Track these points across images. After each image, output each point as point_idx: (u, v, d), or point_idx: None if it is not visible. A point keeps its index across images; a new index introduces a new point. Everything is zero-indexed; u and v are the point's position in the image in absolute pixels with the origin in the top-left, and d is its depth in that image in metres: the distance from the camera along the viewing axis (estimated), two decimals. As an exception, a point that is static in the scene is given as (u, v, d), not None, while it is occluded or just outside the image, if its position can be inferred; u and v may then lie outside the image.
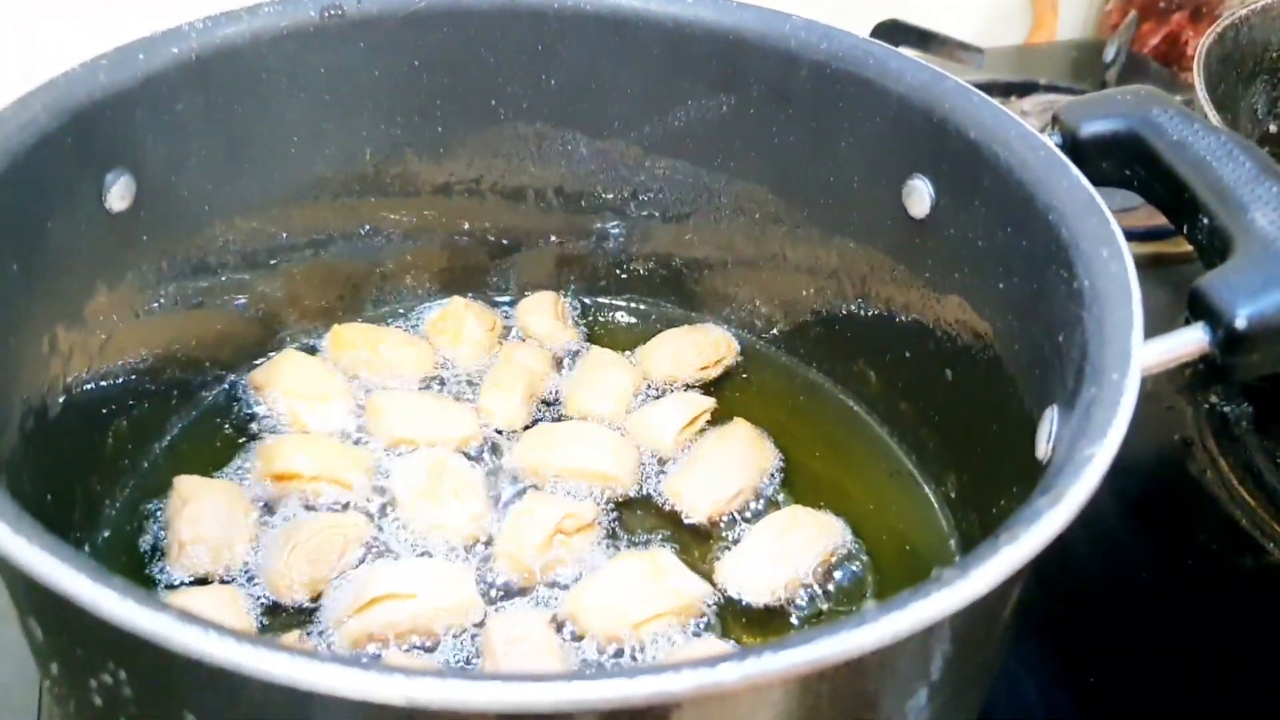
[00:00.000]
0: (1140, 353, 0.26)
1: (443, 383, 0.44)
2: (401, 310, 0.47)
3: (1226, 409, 0.50)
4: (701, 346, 0.45)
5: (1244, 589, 0.44)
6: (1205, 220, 0.31)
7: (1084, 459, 0.23)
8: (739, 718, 0.22)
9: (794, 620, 0.36)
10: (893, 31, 0.70)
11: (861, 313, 0.42)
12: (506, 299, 0.48)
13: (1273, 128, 0.51)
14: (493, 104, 0.42)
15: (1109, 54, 0.73)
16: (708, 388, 0.45)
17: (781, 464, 0.41)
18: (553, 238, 0.46)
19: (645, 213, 0.45)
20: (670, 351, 0.45)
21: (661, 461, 0.41)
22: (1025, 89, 0.73)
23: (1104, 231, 0.29)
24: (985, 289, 0.35)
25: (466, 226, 0.46)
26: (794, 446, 0.42)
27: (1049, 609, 0.41)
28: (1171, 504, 0.48)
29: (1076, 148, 0.34)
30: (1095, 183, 0.34)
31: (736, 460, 0.40)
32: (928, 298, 0.39)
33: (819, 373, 0.45)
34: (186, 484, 0.37)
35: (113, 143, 0.34)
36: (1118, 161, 0.34)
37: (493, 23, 0.40)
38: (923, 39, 0.71)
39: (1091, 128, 0.34)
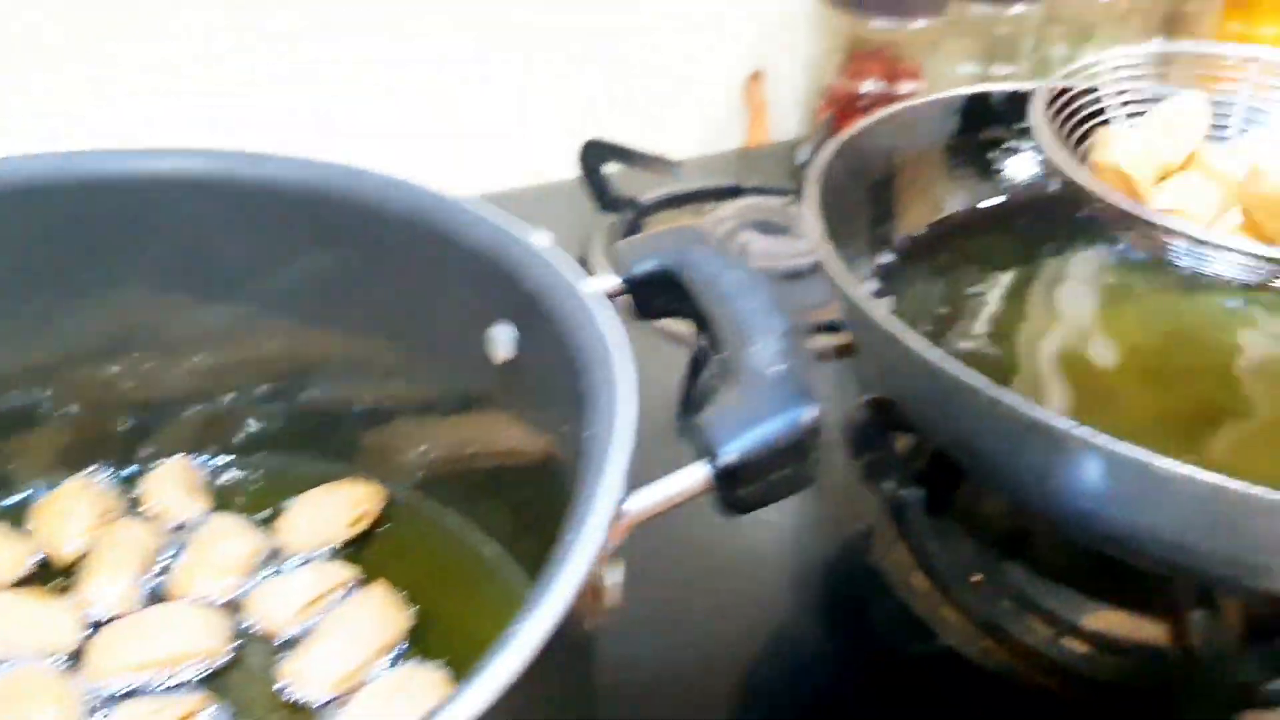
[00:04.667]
0: (615, 502, 0.27)
1: (44, 579, 0.42)
2: (10, 500, 0.44)
3: (903, 493, 0.52)
4: (345, 504, 0.44)
5: (917, 676, 0.45)
6: (719, 353, 0.32)
7: (538, 600, 0.24)
8: None
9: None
10: (595, 151, 0.73)
11: (484, 455, 0.43)
12: (133, 469, 0.46)
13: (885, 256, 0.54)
14: (88, 277, 0.41)
15: (800, 157, 0.77)
16: (354, 543, 0.44)
17: (416, 620, 0.41)
18: (179, 404, 0.45)
19: (272, 371, 0.45)
20: (311, 514, 0.44)
21: (283, 640, 0.40)
22: (731, 193, 0.76)
23: (606, 381, 0.30)
24: (565, 427, 0.36)
25: (81, 401, 0.44)
26: (432, 598, 0.41)
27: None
28: (853, 595, 0.49)
29: (631, 285, 0.36)
30: (654, 316, 0.35)
31: (365, 630, 0.39)
32: (530, 434, 0.39)
33: (459, 515, 0.45)
34: None
35: None
36: (666, 297, 0.36)
37: (72, 196, 0.40)
38: (623, 156, 0.74)
39: (640, 267, 0.36)
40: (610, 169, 0.73)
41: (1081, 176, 0.48)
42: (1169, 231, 0.47)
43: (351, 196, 0.40)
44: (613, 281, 0.35)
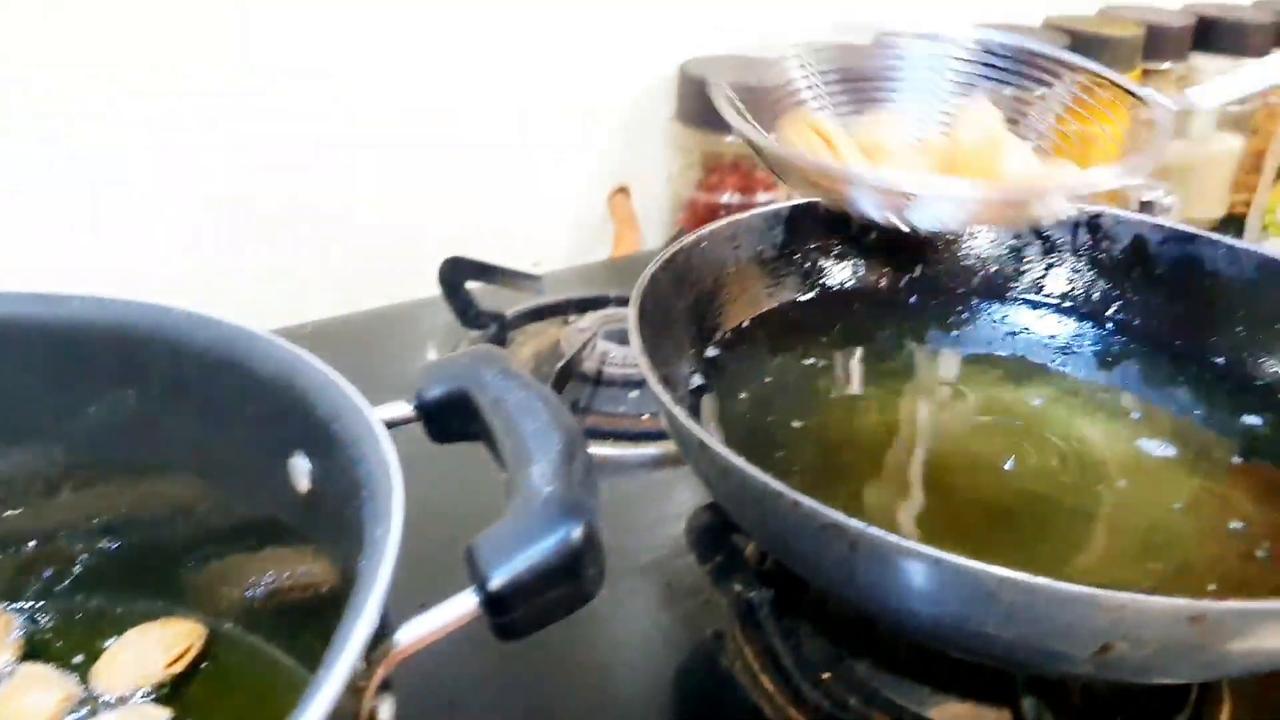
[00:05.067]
0: (364, 641, 0.26)
1: None
2: None
3: (751, 595, 0.52)
4: (163, 643, 0.43)
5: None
6: (505, 474, 0.33)
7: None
8: None
9: None
10: (456, 267, 0.74)
11: (299, 587, 0.42)
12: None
13: (712, 350, 0.56)
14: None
15: (656, 267, 0.79)
16: (175, 682, 0.43)
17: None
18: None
19: (86, 512, 0.44)
20: (128, 655, 0.42)
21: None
22: (597, 304, 0.78)
23: (382, 511, 0.30)
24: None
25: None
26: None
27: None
28: (706, 700, 0.49)
29: (426, 410, 0.36)
30: (449, 439, 0.35)
31: None
32: (334, 566, 0.39)
33: (280, 649, 0.44)
34: None
35: None
36: (460, 420, 0.36)
37: None
38: (485, 272, 0.75)
39: (433, 391, 0.36)
40: (476, 285, 0.74)
41: (770, 142, 0.51)
42: (871, 185, 0.50)
43: (154, 333, 0.39)
44: (405, 408, 0.36)
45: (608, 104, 0.87)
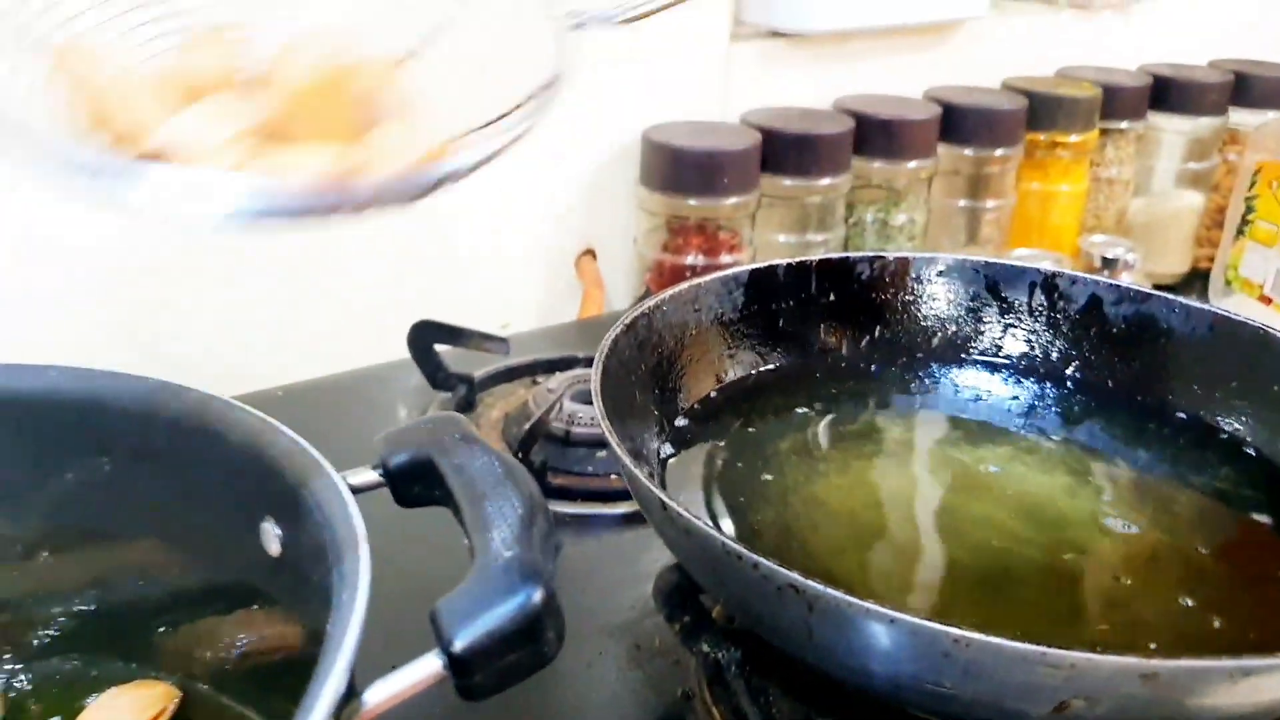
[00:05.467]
0: (331, 699, 0.27)
1: None
2: None
3: (719, 655, 0.53)
4: (138, 705, 0.43)
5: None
6: (468, 540, 0.33)
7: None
8: None
9: None
10: (424, 331, 0.75)
11: (270, 650, 0.43)
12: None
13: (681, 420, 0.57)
14: None
15: (624, 328, 0.80)
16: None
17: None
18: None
19: (60, 578, 0.45)
20: (107, 717, 0.43)
21: None
22: (565, 365, 0.79)
23: (350, 576, 0.31)
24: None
25: None
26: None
27: None
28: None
29: (391, 476, 0.37)
30: (414, 504, 0.36)
31: None
32: (302, 631, 0.40)
33: (250, 710, 0.44)
34: None
35: None
36: (423, 486, 0.37)
37: None
38: (452, 334, 0.76)
39: (397, 458, 0.37)
40: (445, 348, 0.75)
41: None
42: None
43: (127, 402, 0.40)
44: (371, 474, 0.36)
45: (573, 169, 0.89)
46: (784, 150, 0.87)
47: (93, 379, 0.41)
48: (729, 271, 0.58)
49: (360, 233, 0.81)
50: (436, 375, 0.75)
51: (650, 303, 0.56)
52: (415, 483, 0.37)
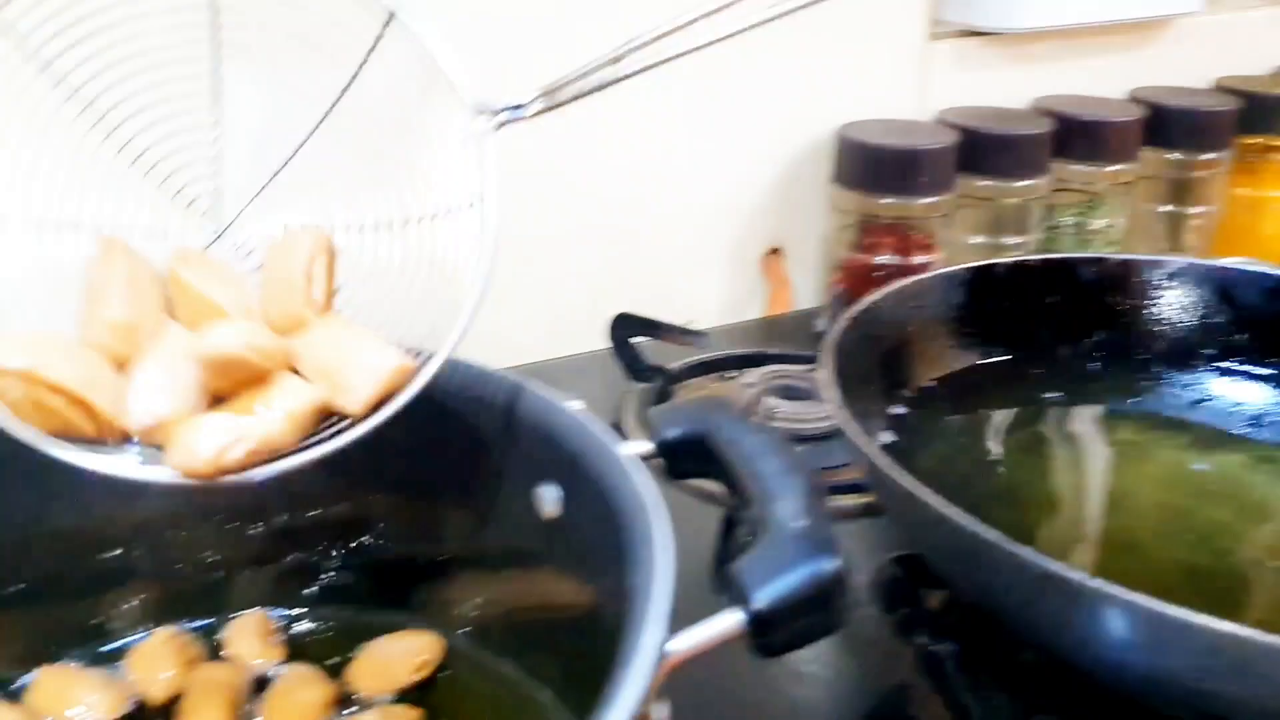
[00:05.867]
0: (658, 645, 0.29)
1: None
2: (108, 647, 0.48)
3: (937, 648, 0.53)
4: (407, 652, 0.47)
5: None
6: (747, 510, 0.35)
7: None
8: None
9: None
10: (625, 323, 0.77)
11: (533, 606, 0.45)
12: (212, 620, 0.49)
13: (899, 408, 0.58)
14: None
15: (818, 326, 0.81)
16: (417, 690, 0.46)
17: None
18: (254, 563, 0.49)
19: (340, 532, 0.49)
20: (379, 663, 0.46)
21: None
22: (756, 361, 0.80)
23: (646, 534, 0.33)
24: (607, 579, 0.39)
25: (168, 560, 0.48)
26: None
27: None
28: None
29: (662, 449, 0.39)
30: (684, 476, 0.38)
31: None
32: (575, 587, 0.42)
33: (511, 663, 0.47)
34: None
35: None
36: (695, 459, 0.39)
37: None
38: (650, 327, 0.78)
39: (669, 433, 0.39)
40: (639, 339, 0.77)
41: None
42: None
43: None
44: (646, 446, 0.38)
45: (764, 166, 0.90)
46: (981, 150, 0.86)
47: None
48: (950, 269, 0.59)
49: (545, 230, 0.83)
50: (634, 366, 0.77)
51: (874, 297, 0.57)
52: (688, 457, 0.38)
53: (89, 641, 0.48)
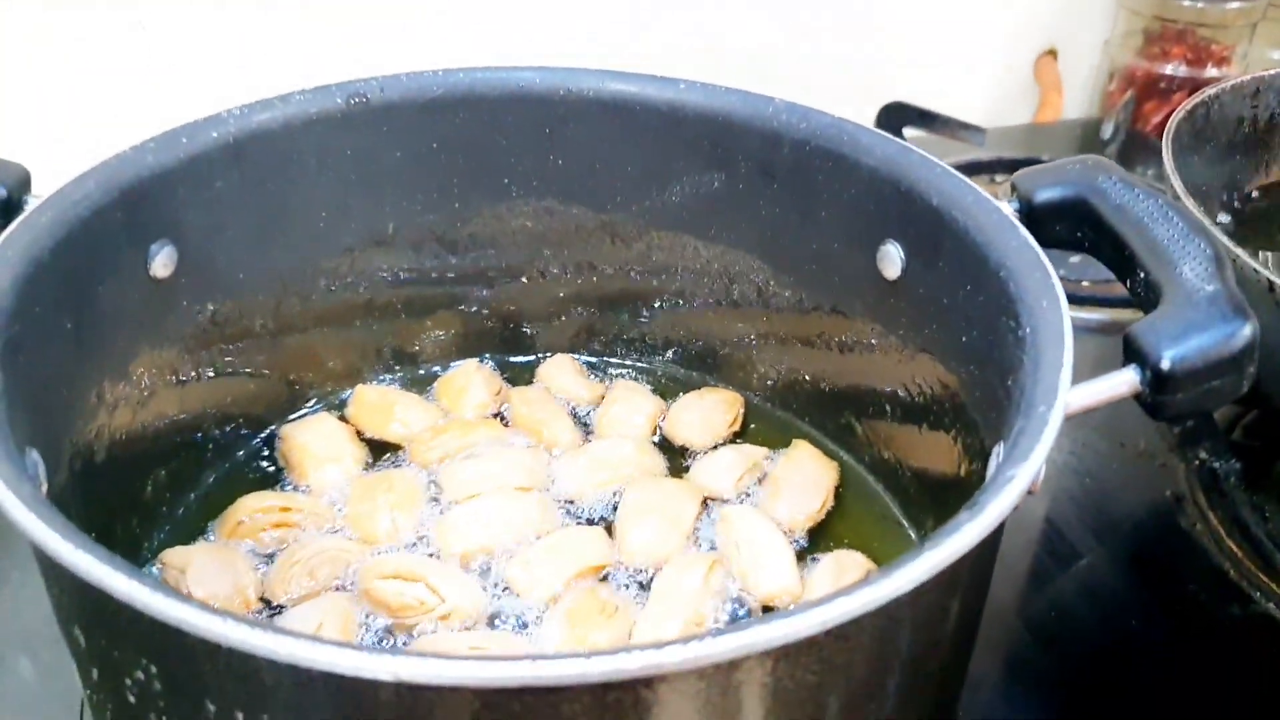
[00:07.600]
0: (1067, 389, 0.29)
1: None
2: (422, 372, 0.51)
3: (1216, 465, 0.52)
4: (723, 408, 0.49)
5: (1233, 638, 0.45)
6: (1142, 274, 0.34)
7: (1005, 479, 0.26)
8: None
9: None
10: (897, 112, 0.74)
11: (844, 371, 0.45)
12: (522, 360, 0.52)
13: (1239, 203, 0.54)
14: (505, 182, 0.46)
15: (1106, 132, 0.76)
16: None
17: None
18: (563, 308, 0.50)
19: (650, 282, 0.49)
20: (698, 417, 0.48)
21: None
22: (1028, 164, 0.76)
23: (1045, 285, 0.32)
24: (950, 342, 0.38)
25: (483, 295, 0.50)
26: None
27: (1045, 662, 0.44)
28: (1163, 557, 0.50)
29: (1032, 212, 0.38)
30: (1049, 244, 0.37)
31: (813, 476, 0.44)
32: (901, 354, 0.42)
33: (810, 425, 0.48)
34: (174, 556, 0.40)
35: (157, 216, 0.38)
36: (1068, 224, 0.37)
37: (504, 108, 0.44)
38: (925, 119, 0.75)
39: (1044, 195, 0.37)
40: (911, 132, 0.74)
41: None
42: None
43: (751, 121, 0.42)
44: (1008, 208, 0.37)
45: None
46: (1307, -48, 0.77)
47: (720, 95, 0.43)
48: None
49: (812, 16, 0.79)
50: (900, 160, 0.74)
51: (1210, 91, 0.53)
52: (1059, 221, 0.37)
53: (400, 365, 0.50)
